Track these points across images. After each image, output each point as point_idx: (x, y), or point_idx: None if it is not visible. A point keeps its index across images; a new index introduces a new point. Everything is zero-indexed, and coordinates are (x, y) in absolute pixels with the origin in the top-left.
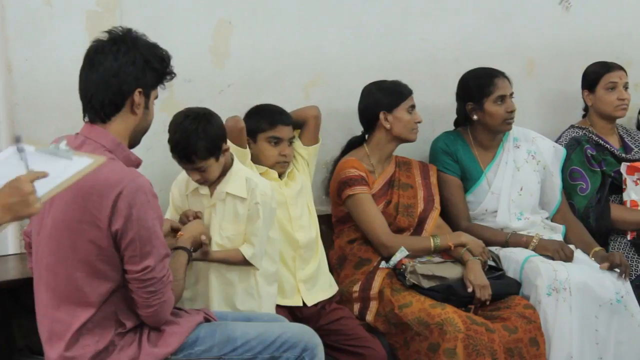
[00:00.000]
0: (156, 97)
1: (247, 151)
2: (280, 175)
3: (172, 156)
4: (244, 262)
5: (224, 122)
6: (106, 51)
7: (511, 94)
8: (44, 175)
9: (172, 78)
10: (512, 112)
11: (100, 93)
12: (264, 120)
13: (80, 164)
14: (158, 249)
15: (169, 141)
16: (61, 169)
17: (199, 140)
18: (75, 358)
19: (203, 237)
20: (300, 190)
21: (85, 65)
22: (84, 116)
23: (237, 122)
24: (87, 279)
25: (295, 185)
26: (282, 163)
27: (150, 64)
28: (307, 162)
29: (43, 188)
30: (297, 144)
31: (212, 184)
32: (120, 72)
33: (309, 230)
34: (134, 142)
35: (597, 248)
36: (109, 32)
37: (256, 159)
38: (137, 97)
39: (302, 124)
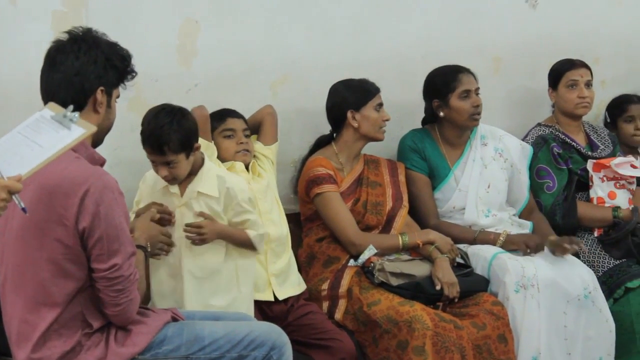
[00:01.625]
0: (118, 96)
1: (213, 145)
2: (247, 168)
3: (144, 147)
4: (247, 244)
5: None
6: (67, 50)
7: (476, 90)
8: (17, 189)
9: (133, 77)
10: (478, 106)
11: (62, 92)
12: (214, 119)
13: (75, 133)
14: (125, 247)
15: (142, 132)
16: (56, 141)
17: (172, 133)
18: (42, 359)
19: (157, 216)
20: (268, 186)
21: (46, 65)
22: None
23: (202, 109)
24: (54, 278)
25: (262, 181)
26: (243, 152)
27: (111, 62)
28: (272, 160)
29: (28, 165)
30: (259, 145)
31: (182, 183)
32: (82, 70)
33: (280, 225)
34: (97, 141)
35: (552, 237)
36: (69, 32)
37: (220, 158)
38: (100, 95)
39: (259, 126)
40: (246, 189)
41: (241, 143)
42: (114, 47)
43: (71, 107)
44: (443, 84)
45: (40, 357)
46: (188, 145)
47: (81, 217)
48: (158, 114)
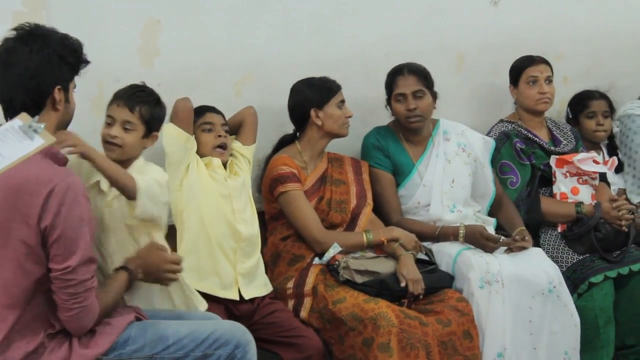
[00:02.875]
0: (74, 87)
1: (192, 138)
2: (225, 166)
3: (112, 102)
4: (129, 185)
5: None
6: (18, 51)
7: (416, 92)
8: None
9: (86, 65)
10: (412, 110)
11: (20, 95)
12: (194, 114)
13: (35, 143)
14: (82, 251)
15: (119, 90)
16: (17, 151)
17: (151, 101)
18: None
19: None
20: (244, 185)
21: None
22: (6, 118)
23: (186, 101)
24: (15, 278)
25: (239, 179)
26: (220, 148)
27: (64, 60)
28: (249, 160)
29: None
30: (238, 144)
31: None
32: (37, 72)
33: (252, 225)
34: None
35: (520, 228)
36: (17, 29)
37: (198, 153)
38: (57, 94)
39: (239, 126)
40: (163, 179)
41: (219, 136)
42: (64, 41)
43: (37, 117)
44: (386, 85)
45: (3, 359)
46: (153, 123)
47: (44, 216)
48: (145, 85)
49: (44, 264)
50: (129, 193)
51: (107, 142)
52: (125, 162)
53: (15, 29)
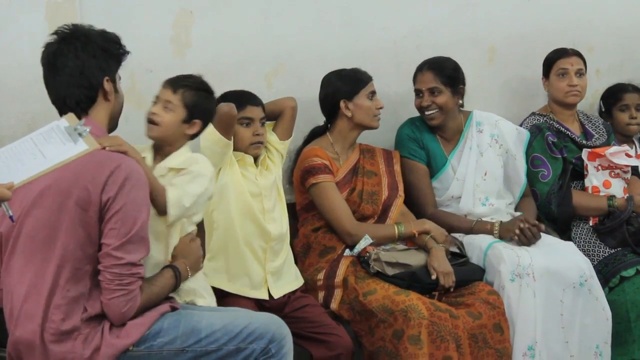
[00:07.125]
0: (120, 78)
1: (231, 144)
2: (256, 161)
3: (163, 84)
4: (161, 204)
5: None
6: (64, 52)
7: (431, 89)
8: (6, 198)
9: (126, 56)
10: (427, 107)
11: (73, 93)
12: (234, 103)
13: (79, 148)
14: (138, 230)
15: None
16: (59, 153)
17: (198, 88)
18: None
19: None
20: (274, 182)
21: (48, 71)
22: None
23: (231, 108)
24: (69, 243)
25: (270, 176)
26: (257, 144)
27: (108, 52)
28: (282, 155)
29: (26, 173)
30: (274, 138)
31: (157, 158)
32: (86, 68)
33: (281, 223)
34: (112, 126)
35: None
36: (57, 32)
37: (234, 145)
38: (107, 85)
39: (277, 116)
40: (210, 171)
41: (257, 134)
42: (104, 35)
43: (83, 120)
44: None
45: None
46: (195, 109)
47: (107, 188)
48: (197, 76)
49: (96, 240)
50: (158, 207)
51: (148, 121)
52: (168, 148)
53: (55, 33)
